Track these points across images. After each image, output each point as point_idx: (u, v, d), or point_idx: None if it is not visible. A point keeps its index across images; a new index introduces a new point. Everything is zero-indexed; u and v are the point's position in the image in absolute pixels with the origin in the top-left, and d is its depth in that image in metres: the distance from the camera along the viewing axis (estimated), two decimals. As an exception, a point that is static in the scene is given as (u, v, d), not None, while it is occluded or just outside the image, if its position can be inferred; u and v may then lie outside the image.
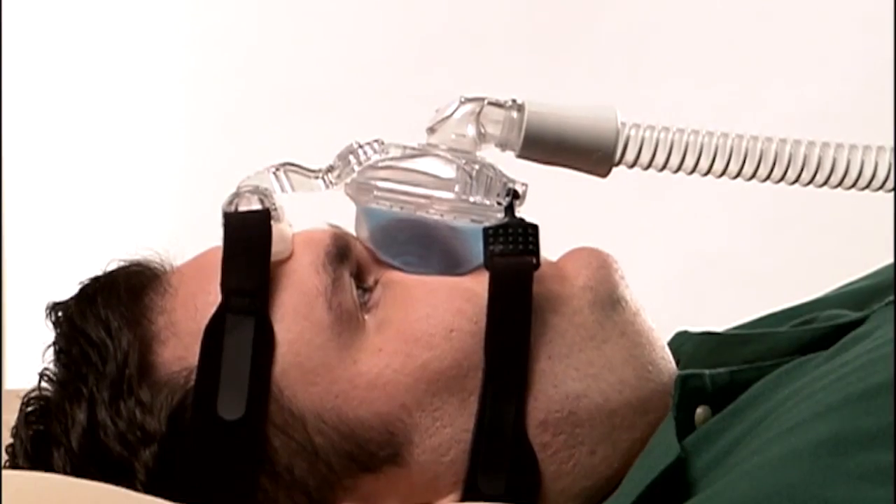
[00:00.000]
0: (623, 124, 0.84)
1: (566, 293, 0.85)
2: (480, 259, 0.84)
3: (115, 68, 2.24)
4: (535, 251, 0.84)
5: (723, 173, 0.85)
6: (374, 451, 0.82)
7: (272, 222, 0.84)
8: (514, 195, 0.85)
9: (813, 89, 2.03)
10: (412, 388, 0.82)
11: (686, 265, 2.06)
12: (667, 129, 0.83)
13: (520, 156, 0.85)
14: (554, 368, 0.83)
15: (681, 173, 0.84)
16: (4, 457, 0.88)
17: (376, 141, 0.88)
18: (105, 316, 0.84)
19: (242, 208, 0.85)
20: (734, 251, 2.14)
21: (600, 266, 0.87)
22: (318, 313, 0.83)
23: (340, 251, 0.85)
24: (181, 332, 0.83)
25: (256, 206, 0.85)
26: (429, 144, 0.86)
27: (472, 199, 0.84)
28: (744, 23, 2.08)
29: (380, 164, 0.86)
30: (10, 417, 0.88)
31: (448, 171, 0.85)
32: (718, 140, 0.84)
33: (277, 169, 0.89)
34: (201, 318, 0.83)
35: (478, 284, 0.84)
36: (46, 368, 0.86)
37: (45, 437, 0.84)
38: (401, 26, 2.19)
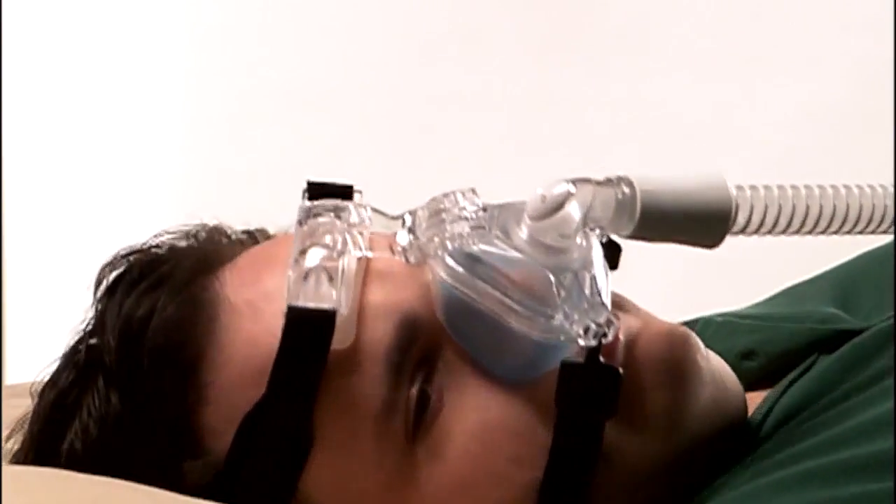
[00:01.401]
0: (738, 193, 0.75)
1: (640, 424, 0.79)
2: (549, 369, 0.77)
3: (115, 68, 2.24)
4: (612, 404, 0.76)
5: (829, 231, 0.77)
6: None
7: (337, 316, 0.76)
8: (602, 335, 0.76)
9: (812, 87, 2.03)
10: None
11: (686, 265, 2.06)
12: (769, 189, 0.75)
13: (629, 236, 0.76)
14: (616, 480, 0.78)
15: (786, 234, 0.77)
16: (5, 451, 0.88)
17: (470, 197, 0.81)
18: (158, 375, 0.79)
19: (309, 290, 0.77)
20: (735, 250, 2.14)
21: (680, 362, 0.80)
22: (364, 437, 0.77)
23: (406, 342, 0.78)
24: (222, 405, 0.78)
25: (326, 293, 0.77)
26: (526, 240, 0.77)
27: (556, 319, 0.76)
28: (744, 19, 2.08)
29: (468, 250, 0.78)
30: (11, 412, 0.88)
31: (538, 282, 0.77)
32: (822, 203, 0.76)
33: (363, 207, 0.81)
34: (243, 398, 0.77)
35: (540, 422, 0.77)
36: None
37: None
38: (401, 26, 2.19)
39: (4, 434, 0.88)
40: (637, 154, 2.07)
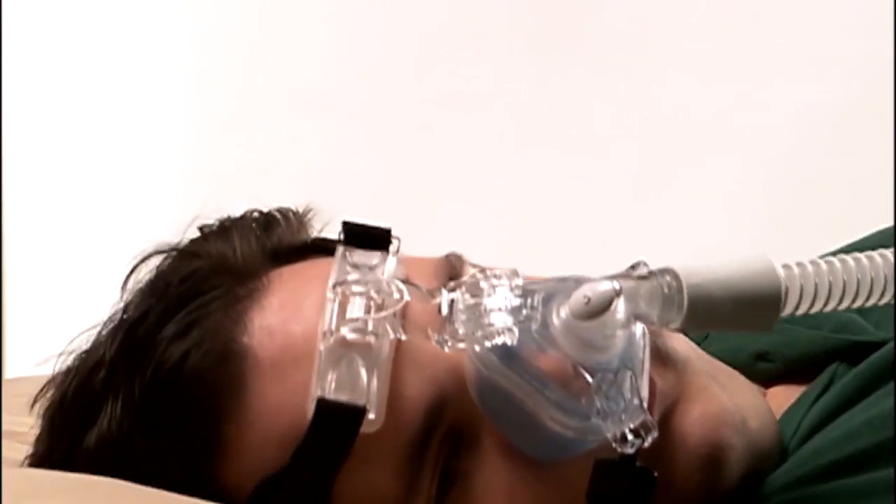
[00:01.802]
0: (787, 277, 0.72)
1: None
2: (580, 454, 0.76)
3: (116, 68, 2.24)
4: (647, 502, 0.76)
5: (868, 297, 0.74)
6: None
7: (367, 411, 0.75)
8: (641, 442, 0.74)
9: (812, 87, 2.02)
10: None
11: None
12: (816, 265, 0.73)
13: (678, 330, 0.74)
14: None
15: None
16: (4, 443, 0.87)
17: (513, 285, 0.77)
18: (182, 424, 0.79)
19: (341, 378, 0.76)
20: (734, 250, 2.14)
21: (713, 449, 0.79)
22: None
23: (430, 429, 0.77)
24: (242, 463, 0.79)
25: (357, 384, 0.76)
26: (564, 332, 0.75)
27: (592, 420, 0.75)
28: (744, 20, 2.08)
29: (508, 343, 0.75)
30: (11, 401, 0.88)
31: (578, 385, 0.75)
32: (860, 278, 0.73)
33: (398, 280, 0.79)
34: (262, 462, 0.77)
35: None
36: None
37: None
38: (401, 26, 2.19)
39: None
40: (637, 154, 2.07)
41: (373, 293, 0.78)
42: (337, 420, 0.75)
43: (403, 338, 0.77)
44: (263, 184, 1.95)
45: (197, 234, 0.89)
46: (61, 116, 2.23)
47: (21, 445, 0.92)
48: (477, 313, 0.76)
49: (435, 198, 2.08)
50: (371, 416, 0.75)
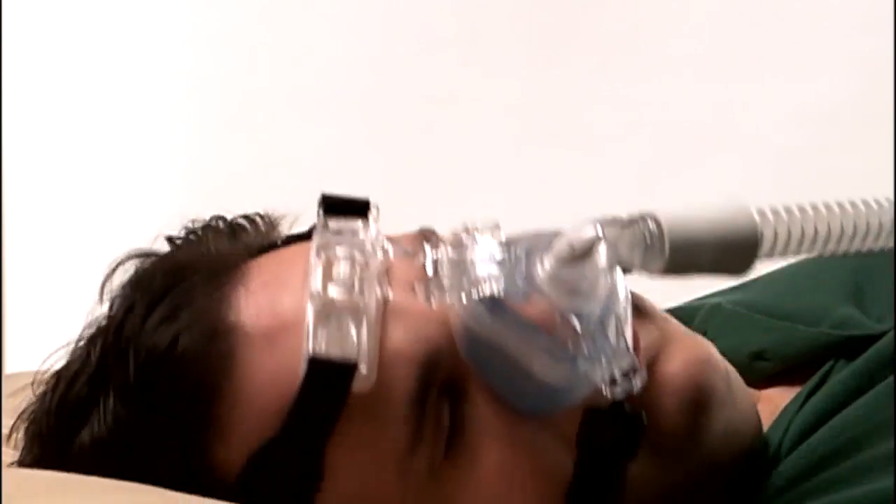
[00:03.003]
0: (761, 221, 0.74)
1: (663, 460, 0.79)
2: (572, 404, 0.77)
3: (115, 66, 2.24)
4: (634, 448, 0.78)
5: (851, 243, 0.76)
6: None
7: (358, 367, 0.75)
8: (629, 385, 0.76)
9: (812, 88, 2.03)
10: None
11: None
12: (791, 212, 0.75)
13: (659, 275, 0.74)
14: None
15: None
16: (4, 432, 0.87)
17: (496, 237, 0.79)
18: (174, 405, 0.79)
19: (331, 335, 0.76)
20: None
21: (699, 387, 0.80)
22: (386, 474, 0.77)
23: (428, 379, 0.77)
24: (234, 438, 0.79)
25: (348, 340, 0.76)
26: (547, 280, 0.76)
27: (581, 366, 0.76)
28: (745, 20, 2.08)
29: (493, 293, 0.76)
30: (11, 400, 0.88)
31: (564, 330, 0.76)
32: (842, 214, 0.76)
33: (380, 238, 0.81)
34: (256, 434, 0.78)
35: (562, 459, 0.78)
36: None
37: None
38: (401, 25, 2.19)
39: (5, 430, 0.88)
40: (638, 154, 2.07)
41: (356, 254, 0.78)
42: (328, 377, 0.75)
43: (391, 295, 0.77)
44: (264, 184, 1.95)
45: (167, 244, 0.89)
46: (63, 117, 2.24)
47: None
48: (461, 266, 0.77)
49: (435, 197, 2.08)
50: (363, 370, 0.75)
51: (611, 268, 0.74)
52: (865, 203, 0.76)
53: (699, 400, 0.79)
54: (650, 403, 0.78)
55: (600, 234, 0.73)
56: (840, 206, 0.75)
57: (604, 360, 0.75)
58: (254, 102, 2.20)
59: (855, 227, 0.75)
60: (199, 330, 0.80)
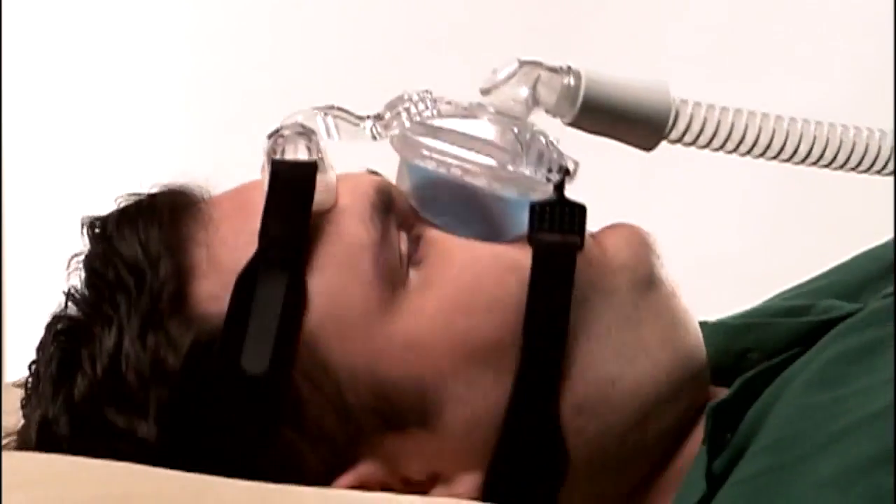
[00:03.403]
0: (677, 99, 0.83)
1: (605, 272, 0.85)
2: (523, 229, 0.84)
3: (115, 64, 2.24)
4: (581, 232, 0.84)
5: (764, 152, 0.86)
6: (405, 411, 0.82)
7: (318, 173, 0.83)
8: (566, 172, 0.85)
9: (812, 88, 2.03)
10: (449, 355, 0.82)
11: (688, 267, 2.06)
12: (713, 107, 0.84)
13: (570, 124, 0.85)
14: (591, 350, 0.83)
15: (725, 151, 0.85)
16: (6, 427, 0.88)
17: (427, 92, 0.87)
18: (145, 240, 0.84)
19: (289, 155, 0.84)
20: (737, 252, 2.14)
21: (640, 244, 0.87)
22: (363, 267, 0.82)
23: (385, 204, 0.85)
24: (218, 271, 0.83)
25: (303, 154, 0.84)
26: (480, 105, 0.85)
27: (521, 170, 0.84)
28: (745, 20, 2.08)
29: (430, 122, 0.85)
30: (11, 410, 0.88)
31: (500, 138, 0.84)
32: (762, 122, 0.86)
33: (325, 113, 0.91)
34: (238, 260, 0.82)
35: (521, 255, 0.84)
36: (74, 287, 0.86)
37: (71, 361, 0.84)
38: (402, 25, 2.19)
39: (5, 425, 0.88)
40: (638, 153, 2.07)
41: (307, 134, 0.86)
42: (293, 176, 0.82)
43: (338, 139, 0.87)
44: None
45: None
46: (63, 117, 2.24)
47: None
48: (399, 103, 0.88)
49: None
50: (326, 177, 0.82)
51: (532, 98, 0.83)
52: (818, 124, 0.86)
53: (645, 273, 0.86)
54: (597, 255, 0.85)
55: (521, 61, 0.84)
56: (779, 119, 0.86)
57: (543, 159, 0.84)
58: (254, 103, 2.19)
59: (785, 144, 0.84)
60: (175, 194, 0.88)
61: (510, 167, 0.84)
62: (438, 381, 0.81)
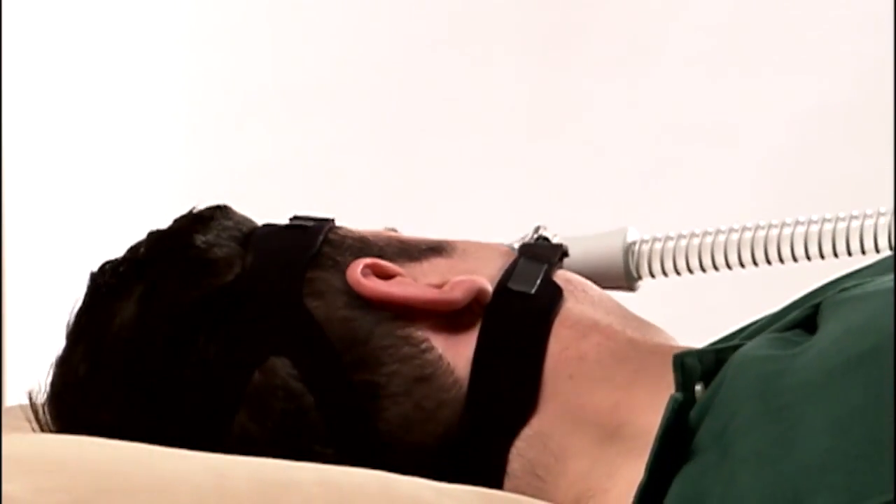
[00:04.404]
0: (629, 251, 0.93)
1: None
2: None
3: (115, 66, 2.24)
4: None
5: (729, 265, 0.93)
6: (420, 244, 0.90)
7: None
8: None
9: (812, 88, 2.03)
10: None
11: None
12: (670, 238, 0.93)
13: None
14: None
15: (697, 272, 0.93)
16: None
17: None
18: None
19: None
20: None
21: None
22: None
23: None
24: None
25: None
26: None
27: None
28: (746, 19, 2.08)
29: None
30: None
31: None
32: (716, 238, 0.92)
33: None
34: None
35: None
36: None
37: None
38: (402, 25, 2.19)
39: None
40: (638, 153, 2.07)
41: None
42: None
43: None
44: (265, 184, 1.95)
45: None
46: (64, 118, 2.23)
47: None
48: None
49: (437, 197, 2.08)
50: None
51: None
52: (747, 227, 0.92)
53: None
54: None
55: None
56: (720, 231, 0.92)
57: None
58: (254, 102, 2.19)
59: (765, 254, 0.92)
60: None
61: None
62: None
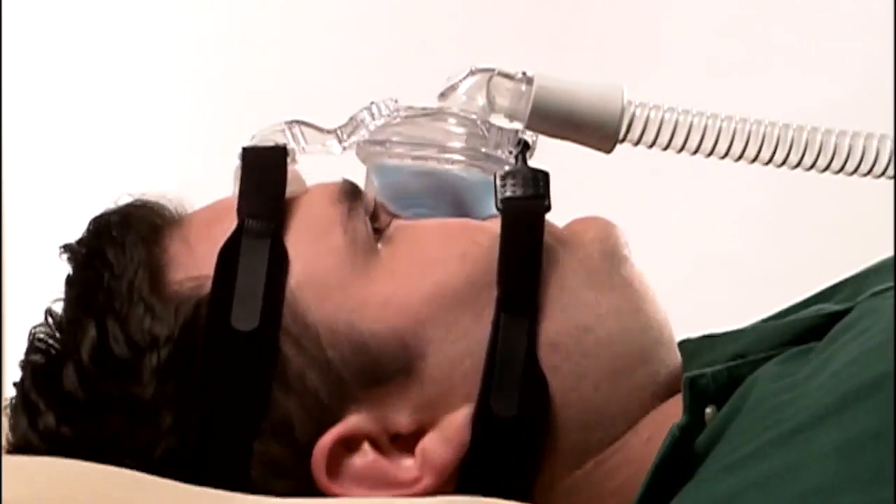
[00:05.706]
0: (629, 102, 0.85)
1: (576, 241, 0.88)
2: (492, 209, 0.87)
3: (114, 64, 2.24)
4: (547, 195, 0.87)
5: (726, 154, 0.87)
6: (387, 363, 0.84)
7: (288, 162, 0.88)
8: (525, 145, 0.87)
9: (812, 88, 2.03)
10: (426, 303, 0.84)
11: (691, 268, 2.06)
12: (672, 110, 0.86)
13: (527, 127, 0.87)
14: (564, 298, 0.85)
15: (685, 153, 0.88)
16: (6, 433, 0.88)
17: (392, 99, 0.91)
18: (121, 239, 0.88)
19: (262, 139, 0.90)
20: (740, 253, 2.14)
21: (607, 225, 0.90)
22: (334, 238, 0.86)
23: (353, 191, 0.88)
24: (196, 256, 0.86)
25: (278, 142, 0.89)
26: (440, 107, 0.89)
27: (483, 150, 0.87)
28: (747, 19, 2.08)
29: (393, 122, 0.89)
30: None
31: (461, 128, 0.88)
32: (722, 122, 0.87)
33: (291, 125, 0.92)
34: (216, 244, 0.85)
35: (491, 223, 0.87)
36: (51, 307, 0.89)
37: (56, 357, 0.86)
38: (402, 25, 2.19)
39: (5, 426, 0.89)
40: (639, 153, 2.07)
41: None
42: (264, 157, 0.88)
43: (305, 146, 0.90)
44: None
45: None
46: (64, 118, 2.24)
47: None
48: (364, 107, 0.93)
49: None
50: (296, 168, 0.87)
51: (489, 104, 0.87)
52: (757, 120, 0.87)
53: (612, 251, 0.89)
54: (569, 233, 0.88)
55: (473, 69, 0.89)
56: (727, 118, 0.88)
57: (505, 142, 0.87)
58: (254, 102, 2.19)
59: (732, 137, 0.86)
60: (150, 206, 0.93)
61: (472, 149, 0.87)
62: (417, 329, 0.84)
